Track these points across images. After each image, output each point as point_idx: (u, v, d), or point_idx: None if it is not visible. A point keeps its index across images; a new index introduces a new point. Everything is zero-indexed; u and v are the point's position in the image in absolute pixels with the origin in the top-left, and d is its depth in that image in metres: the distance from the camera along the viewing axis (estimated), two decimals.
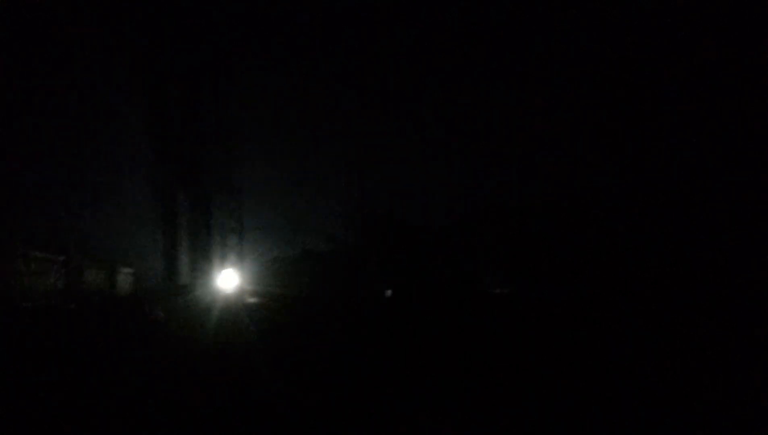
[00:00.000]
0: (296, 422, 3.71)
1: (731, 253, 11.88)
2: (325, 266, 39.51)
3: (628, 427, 3.60)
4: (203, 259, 11.58)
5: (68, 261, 18.53)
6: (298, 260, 44.12)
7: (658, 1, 16.14)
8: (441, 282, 25.03)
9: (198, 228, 11.48)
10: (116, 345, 7.32)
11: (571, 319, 12.26)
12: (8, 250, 14.72)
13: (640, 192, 16.10)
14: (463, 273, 24.35)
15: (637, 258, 15.30)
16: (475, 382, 5.02)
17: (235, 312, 12.78)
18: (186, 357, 6.61)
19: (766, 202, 11.65)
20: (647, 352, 6.66)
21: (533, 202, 22.43)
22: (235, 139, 12.92)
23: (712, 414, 3.11)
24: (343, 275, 35.87)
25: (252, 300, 20.20)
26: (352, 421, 3.54)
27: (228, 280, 28.07)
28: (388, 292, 19.36)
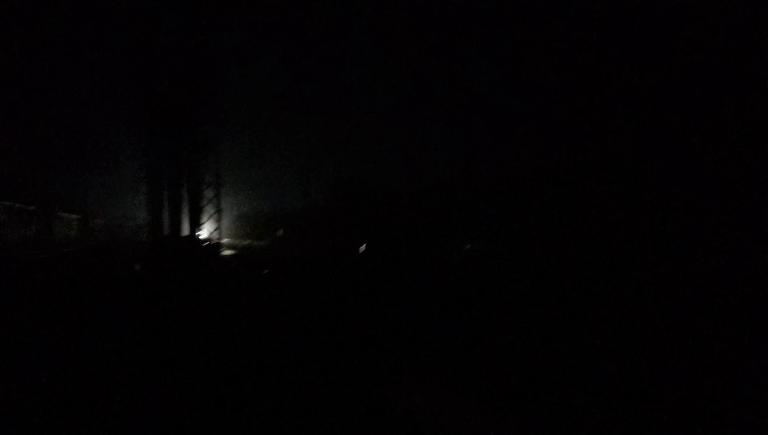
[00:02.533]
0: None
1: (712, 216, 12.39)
2: (298, 222, 40.00)
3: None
4: (179, 211, 11.80)
5: (40, 211, 18.61)
6: (272, 216, 44.39)
7: None
8: (412, 240, 25.62)
9: (176, 181, 11.59)
10: (89, 296, 7.59)
11: (531, 270, 12.82)
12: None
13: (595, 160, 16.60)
14: (432, 233, 25.00)
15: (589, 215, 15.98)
16: (447, 336, 5.04)
17: (211, 264, 13.07)
18: (159, 306, 6.89)
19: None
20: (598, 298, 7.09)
21: (498, 168, 22.72)
22: (217, 91, 12.86)
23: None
24: (315, 232, 36.46)
25: (228, 252, 20.57)
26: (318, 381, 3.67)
27: (203, 232, 28.21)
28: (362, 248, 20.00)
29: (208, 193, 13.77)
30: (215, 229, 14.78)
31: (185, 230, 13.51)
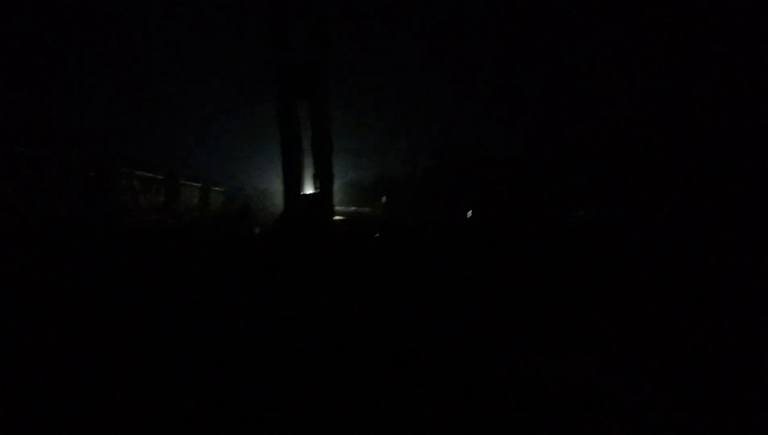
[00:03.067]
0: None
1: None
2: (402, 189, 39.85)
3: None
4: (294, 180, 11.99)
5: (167, 180, 20.05)
6: (374, 182, 44.68)
7: None
8: (518, 207, 24.78)
9: (289, 150, 11.76)
10: (215, 257, 7.85)
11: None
12: (113, 168, 16.09)
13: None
14: (539, 200, 23.91)
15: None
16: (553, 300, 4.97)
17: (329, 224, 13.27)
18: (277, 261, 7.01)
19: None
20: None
21: (607, 137, 21.61)
22: (331, 71, 12.81)
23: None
24: (418, 199, 36.07)
25: (338, 217, 20.92)
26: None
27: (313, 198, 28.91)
28: (469, 213, 19.25)
29: (323, 160, 13.65)
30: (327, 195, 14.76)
31: (303, 198, 13.60)
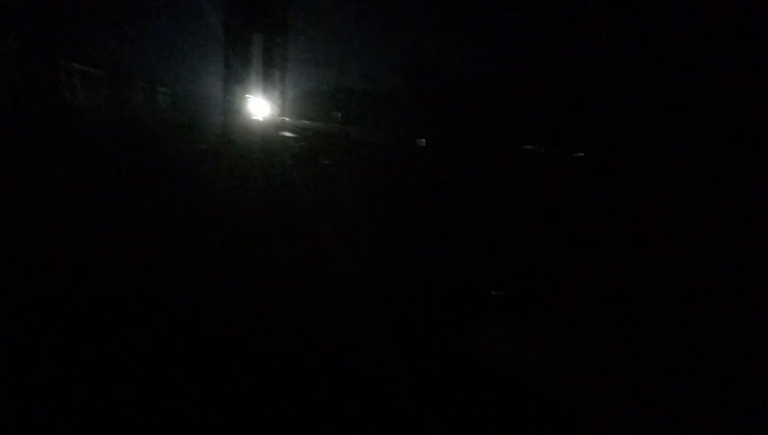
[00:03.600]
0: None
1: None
2: (360, 106, 38.93)
3: None
4: (243, 87, 11.46)
5: (111, 76, 18.60)
6: (330, 95, 43.38)
7: None
8: (475, 135, 24.74)
9: (243, 56, 11.17)
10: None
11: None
12: (50, 62, 14.75)
13: None
14: (497, 128, 23.87)
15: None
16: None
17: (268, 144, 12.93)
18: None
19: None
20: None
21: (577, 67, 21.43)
22: None
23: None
24: (375, 116, 35.48)
25: (287, 134, 20.34)
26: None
27: (262, 109, 27.80)
28: (421, 142, 19.18)
29: (275, 73, 13.13)
30: (278, 110, 14.31)
31: (252, 108, 13.13)
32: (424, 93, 30.64)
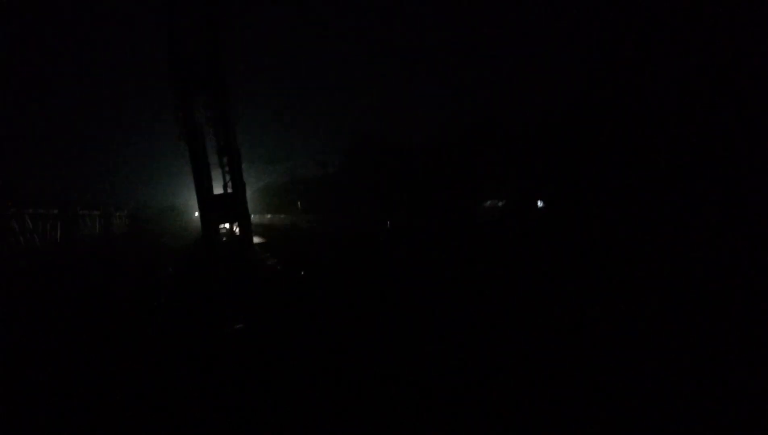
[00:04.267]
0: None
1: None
2: (317, 192, 39.59)
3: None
4: (205, 190, 11.77)
5: (62, 213, 18.62)
6: (287, 188, 44.16)
7: None
8: (435, 202, 25.08)
9: (194, 158, 11.52)
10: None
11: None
12: (1, 211, 14.79)
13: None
14: (456, 190, 24.38)
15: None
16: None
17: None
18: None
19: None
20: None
21: (516, 122, 22.13)
22: (226, 65, 12.60)
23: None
24: (333, 200, 36.06)
25: (258, 240, 20.48)
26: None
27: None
28: (388, 224, 19.50)
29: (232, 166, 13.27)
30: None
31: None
32: (375, 166, 31.08)
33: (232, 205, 12.98)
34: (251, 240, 13.00)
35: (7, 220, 15.13)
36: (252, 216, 37.85)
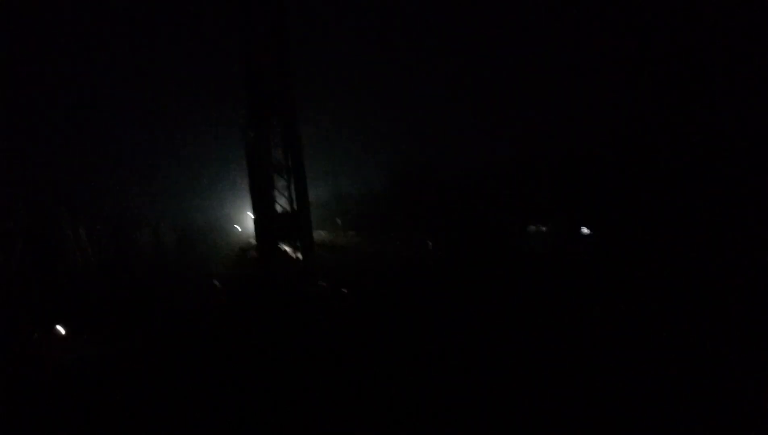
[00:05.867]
0: None
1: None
2: (358, 210, 39.59)
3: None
4: (265, 206, 11.92)
5: (116, 231, 19.01)
6: (332, 204, 44.31)
7: None
8: (480, 229, 24.95)
9: (259, 175, 11.70)
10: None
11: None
12: (61, 228, 15.13)
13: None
14: (498, 217, 24.24)
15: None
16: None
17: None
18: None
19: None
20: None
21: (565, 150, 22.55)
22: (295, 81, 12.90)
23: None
24: (376, 220, 35.94)
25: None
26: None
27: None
28: (429, 244, 19.32)
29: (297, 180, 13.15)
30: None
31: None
32: (421, 193, 31.20)
33: (296, 225, 12.82)
34: (314, 264, 12.73)
35: (65, 239, 15.43)
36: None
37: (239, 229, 44.05)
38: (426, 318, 6.63)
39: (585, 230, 17.64)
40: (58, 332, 6.91)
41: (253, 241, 28.98)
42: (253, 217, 12.93)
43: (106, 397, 4.24)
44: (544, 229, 19.70)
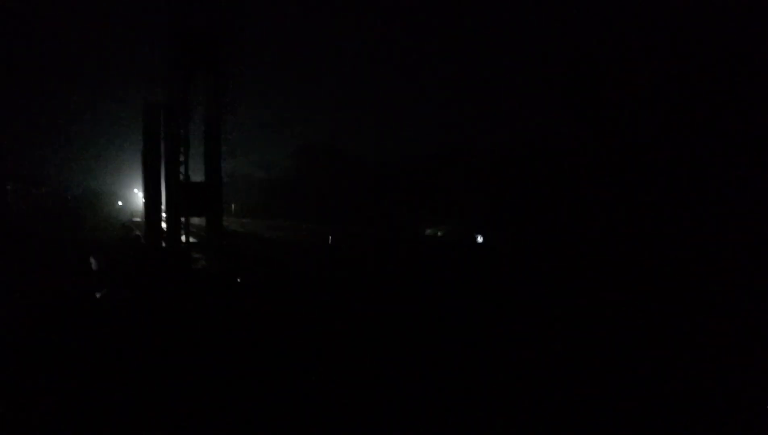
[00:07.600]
0: None
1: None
2: (261, 195, 37.92)
3: None
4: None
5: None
6: (231, 186, 42.13)
7: None
8: (382, 222, 24.73)
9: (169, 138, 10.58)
10: None
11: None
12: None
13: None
14: (404, 213, 24.23)
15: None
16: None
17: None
18: None
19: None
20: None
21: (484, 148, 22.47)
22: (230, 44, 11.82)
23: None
24: (279, 204, 34.77)
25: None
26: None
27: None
28: (329, 239, 18.58)
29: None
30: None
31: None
32: (326, 175, 30.51)
33: (205, 198, 11.65)
34: (221, 243, 11.74)
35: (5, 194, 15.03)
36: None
37: (120, 204, 40.14)
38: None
39: (479, 238, 18.33)
40: None
41: (136, 219, 26.40)
42: (142, 194, 11.89)
43: None
44: (440, 233, 19.97)
